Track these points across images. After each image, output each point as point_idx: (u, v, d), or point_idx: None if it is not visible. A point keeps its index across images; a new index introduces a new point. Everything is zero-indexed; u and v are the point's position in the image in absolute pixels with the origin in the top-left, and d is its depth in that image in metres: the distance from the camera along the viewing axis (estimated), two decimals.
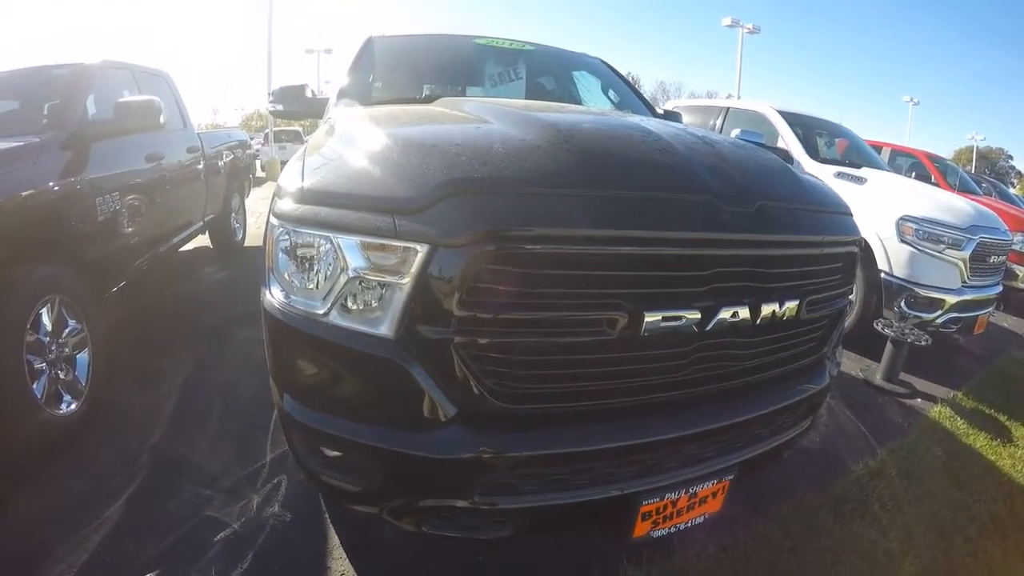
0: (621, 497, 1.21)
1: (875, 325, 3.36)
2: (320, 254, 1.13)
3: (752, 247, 1.23)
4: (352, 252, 1.09)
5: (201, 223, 4.38)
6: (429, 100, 2.06)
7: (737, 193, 1.24)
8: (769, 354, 1.36)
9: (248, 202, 6.02)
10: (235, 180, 5.27)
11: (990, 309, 3.83)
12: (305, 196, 1.18)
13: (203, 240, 4.95)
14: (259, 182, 10.40)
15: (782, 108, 4.90)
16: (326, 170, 1.31)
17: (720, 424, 1.27)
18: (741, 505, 1.69)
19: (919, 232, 3.56)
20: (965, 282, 3.58)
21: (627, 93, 2.86)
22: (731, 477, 1.34)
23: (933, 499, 2.14)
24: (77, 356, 2.28)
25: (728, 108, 5.35)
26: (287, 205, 1.21)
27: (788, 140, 4.58)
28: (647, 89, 47.24)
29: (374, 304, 1.09)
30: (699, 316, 1.14)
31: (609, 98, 2.80)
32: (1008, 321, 5.33)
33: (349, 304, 1.11)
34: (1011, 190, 10.96)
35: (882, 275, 3.61)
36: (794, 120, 4.78)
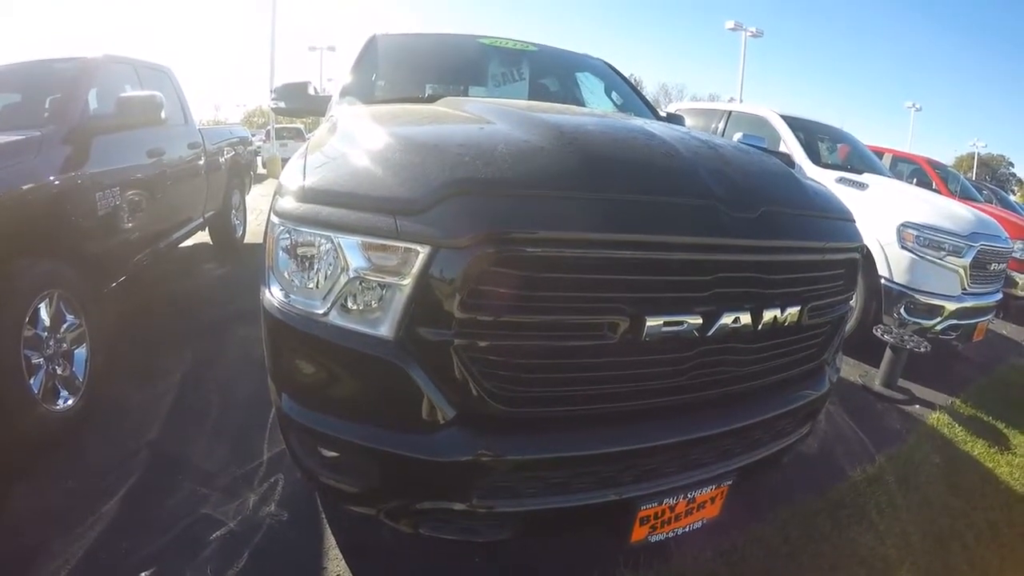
0: (619, 502, 1.20)
1: (874, 331, 3.36)
2: (321, 253, 1.13)
3: (755, 252, 1.22)
4: (353, 252, 1.08)
5: (201, 219, 4.37)
6: (432, 99, 2.06)
7: (740, 198, 1.23)
8: (770, 360, 1.36)
9: (248, 199, 6.01)
10: (236, 176, 5.26)
11: (990, 316, 3.84)
12: (306, 195, 1.18)
13: (203, 236, 4.94)
14: (260, 179, 10.40)
15: (784, 112, 4.90)
16: (328, 169, 1.30)
17: (720, 430, 1.27)
18: (739, 510, 1.69)
19: (920, 238, 3.56)
20: (965, 289, 3.59)
21: (630, 95, 2.85)
22: (730, 483, 1.34)
23: (931, 506, 2.14)
24: (75, 351, 2.28)
25: (730, 112, 5.35)
26: (288, 204, 1.20)
27: (790, 144, 4.58)
28: (649, 91, 47.29)
29: (374, 305, 1.09)
30: (701, 321, 1.14)
31: (612, 100, 2.80)
32: (1007, 328, 5.33)
33: (349, 304, 1.11)
34: (1012, 197, 10.96)
35: (882, 281, 3.61)
36: (796, 124, 4.78)
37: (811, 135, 4.84)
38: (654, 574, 1.59)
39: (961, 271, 3.55)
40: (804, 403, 1.48)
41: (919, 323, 3.50)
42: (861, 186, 4.03)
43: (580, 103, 2.74)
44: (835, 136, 5.25)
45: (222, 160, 4.80)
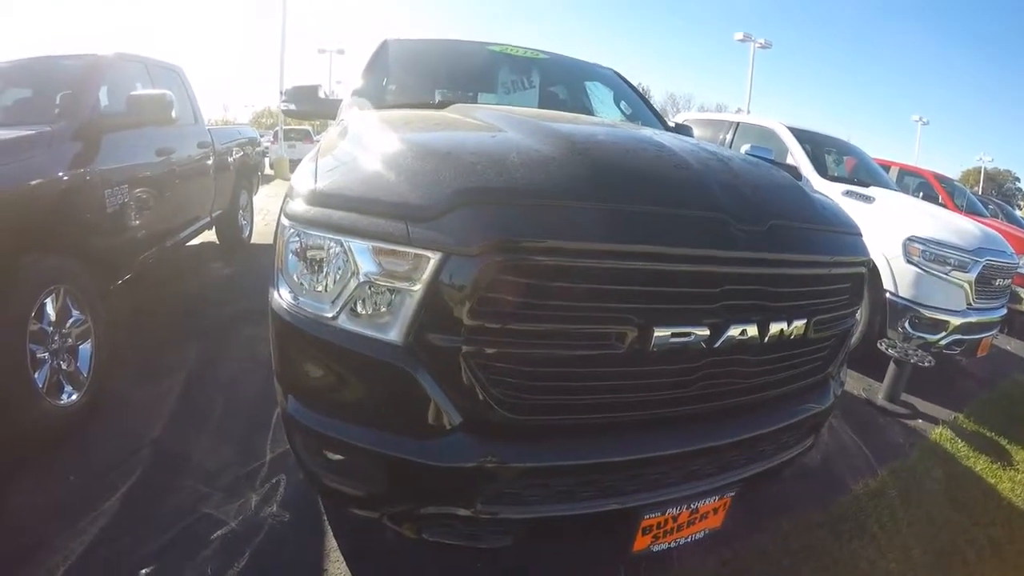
0: (623, 511, 1.20)
1: (879, 345, 3.35)
2: (331, 257, 1.13)
3: (762, 265, 1.23)
4: (363, 256, 1.09)
5: (208, 219, 4.39)
6: (442, 106, 2.07)
7: (749, 211, 1.24)
8: (775, 372, 1.36)
9: (256, 199, 6.03)
10: (244, 177, 5.28)
11: (994, 332, 3.82)
12: (318, 198, 1.18)
13: (209, 236, 4.95)
14: (267, 179, 10.43)
15: (792, 124, 4.91)
16: (339, 173, 1.31)
17: (724, 441, 1.27)
18: (741, 521, 1.68)
19: (925, 253, 3.55)
20: (970, 304, 3.57)
21: (639, 105, 2.86)
22: (732, 494, 1.34)
23: (932, 521, 2.13)
24: (80, 347, 2.28)
25: (738, 123, 5.35)
26: (299, 206, 1.21)
27: (797, 157, 4.58)
28: (657, 100, 47.33)
29: (383, 309, 1.09)
30: (708, 333, 1.14)
31: (621, 109, 2.81)
32: (1011, 344, 5.31)
33: (358, 308, 1.11)
34: (1018, 212, 10.93)
35: (887, 295, 3.60)
36: (803, 137, 4.78)
37: (818, 147, 4.84)
38: None
39: (966, 286, 3.54)
40: (808, 416, 1.48)
41: (923, 337, 3.49)
42: (867, 199, 4.03)
43: (589, 112, 2.75)
44: (842, 149, 5.25)
45: (231, 160, 4.82)
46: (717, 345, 1.16)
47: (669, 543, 1.29)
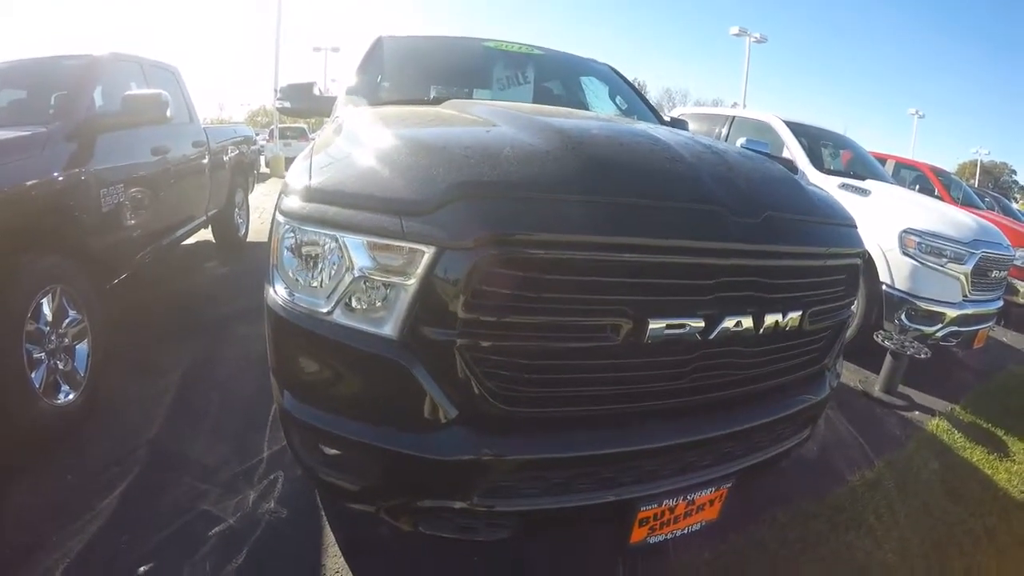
0: (619, 502, 1.21)
1: (875, 337, 3.36)
2: (325, 253, 1.13)
3: (757, 257, 1.23)
4: (358, 252, 1.09)
5: (204, 217, 4.38)
6: (437, 102, 2.07)
7: (744, 203, 1.24)
8: (770, 364, 1.36)
9: (252, 198, 6.02)
10: (239, 175, 5.28)
11: (990, 324, 3.83)
12: (312, 194, 1.19)
13: (205, 234, 4.95)
14: (263, 178, 10.40)
15: (787, 118, 4.91)
16: (334, 169, 1.31)
17: (720, 432, 1.27)
18: (738, 512, 1.69)
19: (921, 245, 3.56)
20: (966, 296, 3.59)
21: (634, 100, 2.86)
22: (729, 485, 1.34)
23: (929, 512, 2.14)
24: (76, 347, 2.28)
25: (734, 117, 5.36)
26: (294, 203, 1.21)
27: (793, 150, 4.59)
28: (653, 95, 47.24)
29: (378, 304, 1.09)
30: (703, 325, 1.15)
31: (616, 104, 2.80)
32: (1007, 336, 5.33)
33: (353, 303, 1.11)
34: (1014, 205, 10.95)
35: (883, 287, 3.61)
36: (799, 130, 4.78)
37: (814, 141, 4.85)
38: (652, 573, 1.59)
39: (962, 278, 3.55)
40: (804, 407, 1.48)
41: (920, 329, 3.50)
42: (863, 192, 4.04)
43: (584, 107, 2.74)
44: (838, 142, 5.25)
45: (226, 159, 4.81)
46: (712, 337, 1.16)
47: (666, 535, 1.29)
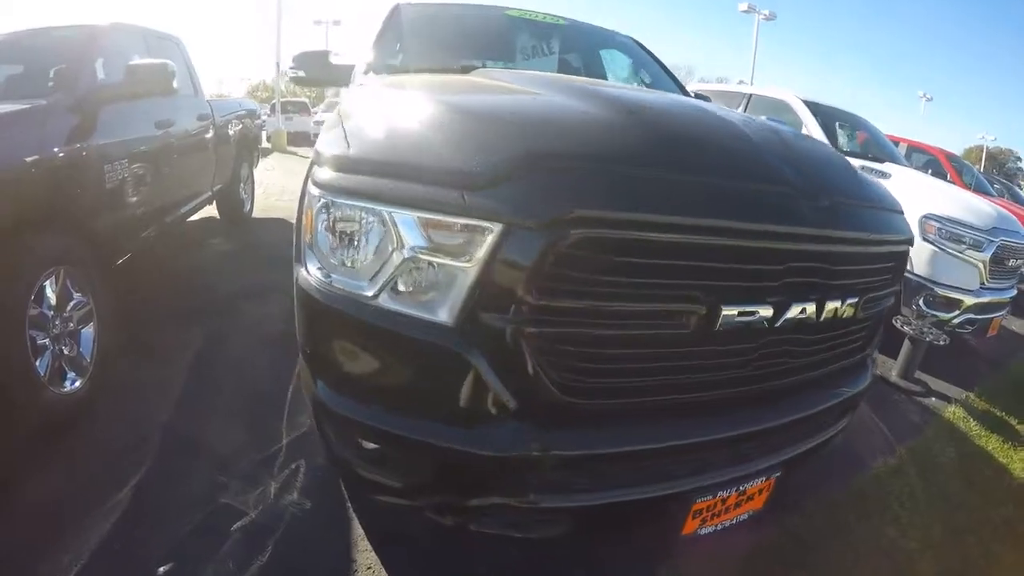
0: (676, 495, 1.16)
1: (894, 322, 3.33)
2: (369, 230, 1.03)
3: (823, 243, 1.17)
4: (409, 229, 0.99)
5: (210, 193, 4.26)
6: (465, 71, 1.95)
7: (812, 187, 1.18)
8: (823, 352, 1.33)
9: (255, 173, 5.88)
10: (245, 149, 5.12)
11: (1004, 312, 3.82)
12: (352, 164, 1.09)
13: (210, 210, 4.81)
14: (265, 152, 10.19)
15: (805, 97, 4.80)
16: (374, 137, 1.20)
17: (777, 422, 1.23)
18: (778, 500, 1.68)
19: (942, 231, 3.52)
20: (984, 284, 3.56)
21: (660, 75, 2.75)
22: (778, 474, 1.31)
23: (948, 500, 2.16)
24: (82, 331, 2.18)
25: (751, 95, 5.24)
26: (329, 174, 1.11)
27: (812, 130, 4.50)
28: None
29: (432, 288, 1.00)
30: (772, 312, 1.08)
31: (641, 79, 2.70)
32: (1017, 324, 5.33)
33: (401, 286, 1.02)
34: (1021, 192, 10.88)
35: None
36: (817, 110, 4.69)
37: (830, 121, 4.76)
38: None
39: (981, 265, 3.53)
40: (850, 395, 1.46)
41: (937, 315, 3.47)
42: (884, 175, 3.97)
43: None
44: (854, 123, 5.16)
45: (231, 132, 4.66)
46: (778, 324, 1.10)
47: (715, 526, 1.26)
